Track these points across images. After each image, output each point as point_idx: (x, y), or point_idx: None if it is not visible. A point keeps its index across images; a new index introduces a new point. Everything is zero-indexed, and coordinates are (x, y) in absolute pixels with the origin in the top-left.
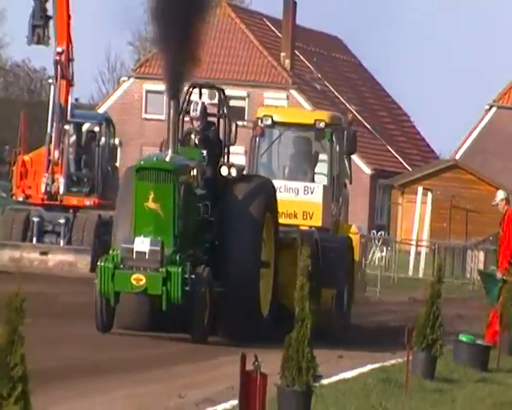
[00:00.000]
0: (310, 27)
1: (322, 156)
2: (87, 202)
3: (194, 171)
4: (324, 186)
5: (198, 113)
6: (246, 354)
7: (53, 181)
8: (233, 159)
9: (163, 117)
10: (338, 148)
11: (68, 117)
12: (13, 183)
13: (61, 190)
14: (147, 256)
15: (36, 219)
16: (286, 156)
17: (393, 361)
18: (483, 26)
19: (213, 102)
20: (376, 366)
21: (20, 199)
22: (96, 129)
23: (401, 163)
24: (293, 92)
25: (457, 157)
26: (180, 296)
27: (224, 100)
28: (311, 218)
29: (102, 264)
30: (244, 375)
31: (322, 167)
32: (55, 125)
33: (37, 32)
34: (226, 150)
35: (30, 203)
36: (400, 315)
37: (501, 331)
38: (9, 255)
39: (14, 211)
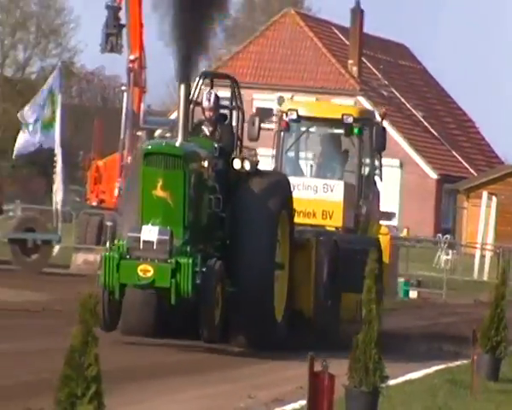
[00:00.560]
0: (377, 35)
1: (352, 153)
2: None
3: (206, 162)
4: (345, 183)
5: (211, 103)
6: (314, 356)
7: None
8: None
9: None
10: (368, 144)
11: (141, 123)
12: (87, 188)
13: None
14: (155, 246)
15: (109, 224)
16: (312, 153)
17: (458, 363)
18: None
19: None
20: (442, 367)
21: (94, 204)
22: (168, 135)
23: (466, 168)
24: (361, 99)
25: None
26: (190, 290)
27: (238, 91)
28: (330, 217)
29: (107, 254)
30: (312, 376)
31: (353, 165)
32: (128, 131)
33: (111, 41)
34: (239, 144)
35: (104, 208)
36: (465, 317)
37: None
38: (84, 258)
39: (88, 215)
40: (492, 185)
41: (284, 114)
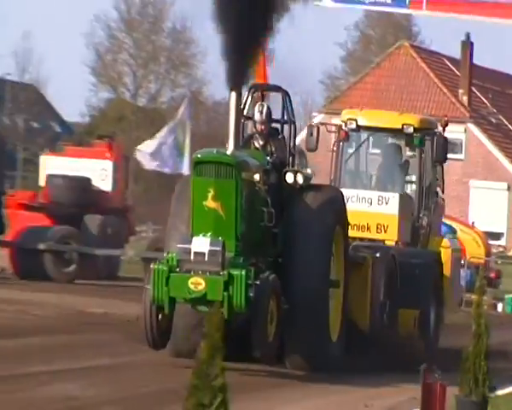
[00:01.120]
0: (486, 66)
1: (414, 163)
2: None
3: (258, 173)
4: (401, 196)
5: (264, 115)
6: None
7: None
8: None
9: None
10: (429, 154)
11: None
12: None
13: None
14: (206, 258)
15: None
16: (372, 163)
17: None
18: None
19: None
20: None
21: None
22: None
23: None
24: (470, 126)
25: None
26: (244, 304)
27: (290, 104)
28: (385, 231)
29: (156, 267)
30: (426, 386)
31: (413, 176)
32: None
33: None
34: (291, 158)
35: None
36: None
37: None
38: None
39: None
40: None
41: (343, 124)
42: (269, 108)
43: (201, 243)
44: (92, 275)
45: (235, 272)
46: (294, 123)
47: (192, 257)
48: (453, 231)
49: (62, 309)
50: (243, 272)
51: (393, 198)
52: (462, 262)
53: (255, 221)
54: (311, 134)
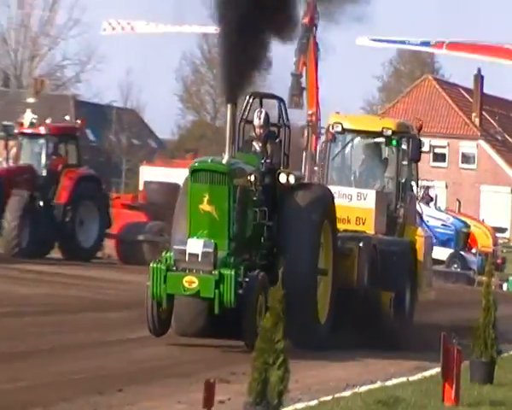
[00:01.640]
0: (494, 94)
1: (392, 161)
2: None
3: (252, 177)
4: (377, 192)
5: (261, 121)
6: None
7: None
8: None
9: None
10: (405, 154)
11: (317, 160)
12: None
13: None
14: (199, 258)
15: None
16: (355, 161)
17: None
18: None
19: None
20: None
21: None
22: None
23: None
24: (481, 142)
25: None
26: (233, 300)
27: (285, 110)
28: (363, 223)
29: (155, 266)
30: (445, 350)
31: (391, 172)
32: (307, 166)
33: (294, 99)
34: (286, 159)
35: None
36: None
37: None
38: None
39: None
40: None
41: (330, 127)
42: (266, 113)
43: (195, 245)
44: None
45: (225, 272)
46: (289, 127)
47: (187, 258)
48: (467, 226)
49: None
50: (232, 272)
51: (370, 194)
52: (474, 251)
53: (248, 221)
54: (303, 135)
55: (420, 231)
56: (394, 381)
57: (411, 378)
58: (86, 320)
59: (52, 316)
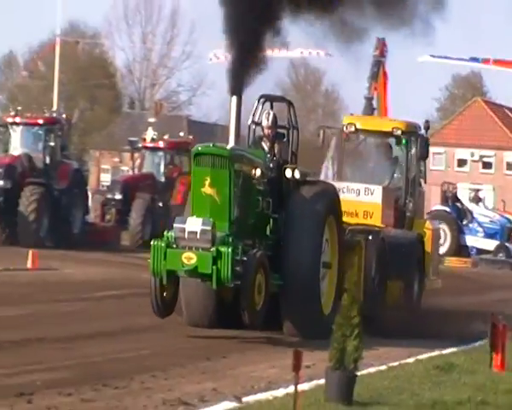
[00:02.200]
0: None
1: (401, 159)
2: None
3: (254, 165)
4: (384, 188)
5: (270, 122)
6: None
7: None
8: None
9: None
10: (413, 152)
11: None
12: None
13: None
14: (198, 236)
15: None
16: (367, 159)
17: None
18: None
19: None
20: None
21: None
22: None
23: None
24: None
25: None
26: (230, 276)
27: (294, 112)
28: (371, 217)
29: (155, 243)
30: (493, 325)
31: (401, 169)
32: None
33: None
34: (294, 159)
35: None
36: None
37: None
38: None
39: None
40: None
41: (344, 127)
42: (275, 115)
43: (194, 223)
44: None
45: (222, 249)
46: (297, 129)
47: (186, 235)
48: (511, 222)
49: None
50: (230, 249)
51: (377, 190)
52: None
53: (250, 207)
54: (318, 135)
55: (428, 224)
56: (449, 350)
57: (464, 348)
58: None
59: None
